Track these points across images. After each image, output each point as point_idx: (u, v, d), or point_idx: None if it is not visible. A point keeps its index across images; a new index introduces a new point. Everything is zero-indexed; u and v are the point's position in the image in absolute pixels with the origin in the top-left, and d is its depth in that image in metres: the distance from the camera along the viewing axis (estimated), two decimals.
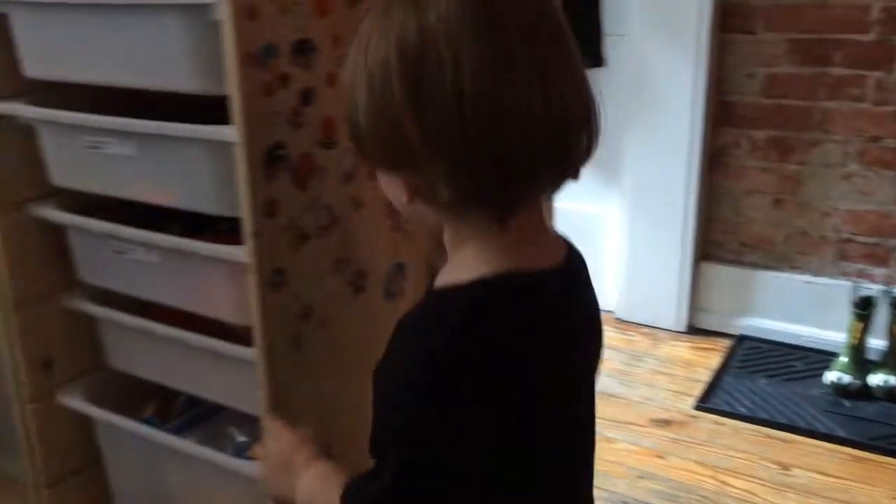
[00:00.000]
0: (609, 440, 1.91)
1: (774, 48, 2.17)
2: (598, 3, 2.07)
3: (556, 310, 0.74)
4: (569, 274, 0.75)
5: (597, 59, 2.13)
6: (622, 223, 2.46)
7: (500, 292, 0.69)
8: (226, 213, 1.02)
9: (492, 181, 0.65)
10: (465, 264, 0.71)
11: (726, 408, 2.03)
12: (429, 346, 0.67)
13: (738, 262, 2.37)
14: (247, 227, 0.96)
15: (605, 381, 2.14)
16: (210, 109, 1.01)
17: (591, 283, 0.80)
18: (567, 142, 0.67)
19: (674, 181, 2.30)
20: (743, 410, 2.02)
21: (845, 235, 2.22)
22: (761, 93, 2.22)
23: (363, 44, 0.67)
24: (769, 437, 1.92)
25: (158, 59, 0.96)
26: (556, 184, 0.69)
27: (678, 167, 2.28)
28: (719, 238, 2.39)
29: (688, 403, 2.06)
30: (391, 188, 0.71)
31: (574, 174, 0.69)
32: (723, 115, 2.28)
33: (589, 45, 2.09)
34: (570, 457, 0.79)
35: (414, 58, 0.63)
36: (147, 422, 1.31)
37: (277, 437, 0.91)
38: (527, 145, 0.64)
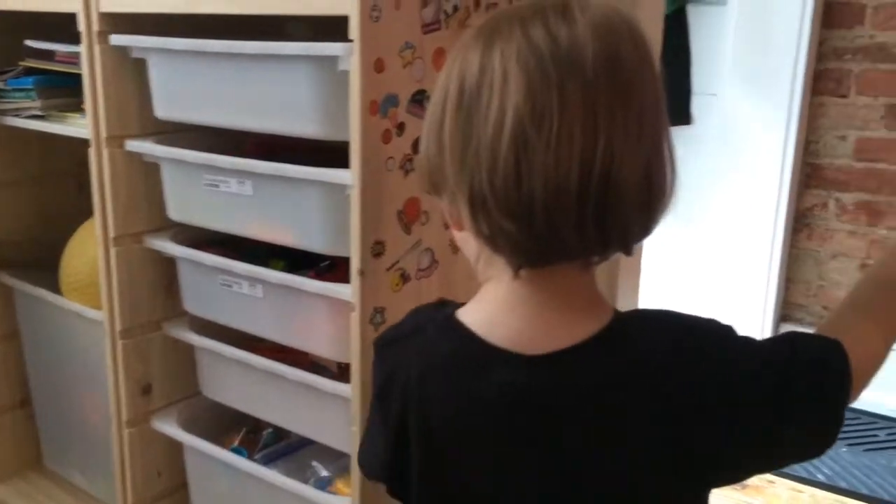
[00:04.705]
0: None
1: (869, 112, 2.15)
2: (689, 62, 2.10)
3: (520, 394, 0.69)
4: (586, 353, 0.68)
5: (684, 117, 2.14)
6: (700, 280, 2.44)
7: (452, 342, 0.72)
8: (335, 252, 1.05)
9: (508, 232, 0.63)
10: (475, 301, 0.73)
11: (805, 475, 1.97)
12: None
13: None
14: (354, 265, 0.98)
15: None
16: (294, 151, 1.06)
17: (638, 366, 0.68)
18: (606, 217, 0.62)
19: (758, 241, 2.28)
20: (821, 478, 1.96)
21: None
22: (852, 156, 2.20)
23: (443, 73, 0.69)
24: None
25: (286, 105, 0.99)
26: (594, 253, 0.66)
27: (763, 227, 2.26)
28: (801, 300, 2.35)
29: None
30: (444, 214, 0.74)
31: (624, 249, 0.66)
32: (811, 177, 2.26)
33: (677, 102, 2.10)
34: None
35: (469, 93, 0.64)
36: (234, 451, 1.34)
37: None
38: (551, 211, 0.61)
